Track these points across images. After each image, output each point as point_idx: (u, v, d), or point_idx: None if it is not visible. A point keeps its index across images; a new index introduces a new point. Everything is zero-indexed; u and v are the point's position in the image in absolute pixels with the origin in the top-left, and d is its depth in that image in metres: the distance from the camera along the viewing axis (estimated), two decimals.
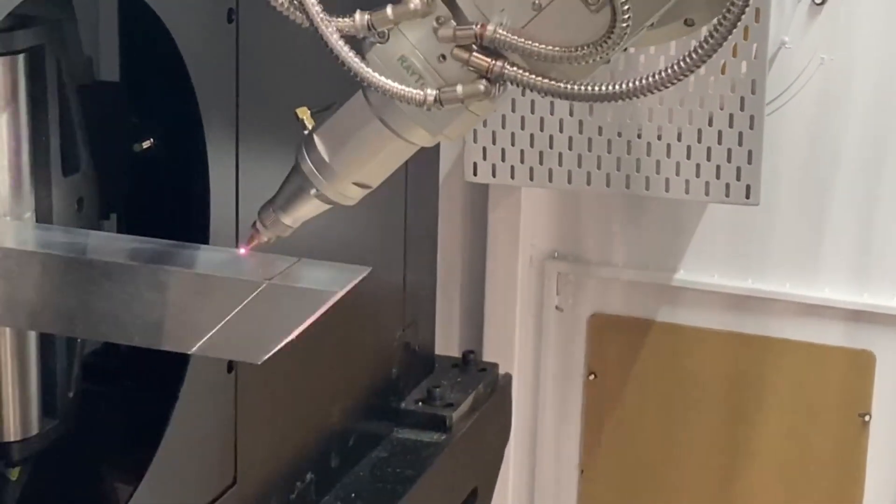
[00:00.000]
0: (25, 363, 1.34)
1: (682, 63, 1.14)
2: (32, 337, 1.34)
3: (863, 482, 2.34)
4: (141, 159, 1.46)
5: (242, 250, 1.28)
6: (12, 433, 1.34)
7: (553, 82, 1.15)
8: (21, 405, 1.34)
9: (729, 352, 2.35)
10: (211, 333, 1.18)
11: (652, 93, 1.15)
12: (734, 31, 1.13)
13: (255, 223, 1.29)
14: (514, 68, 1.15)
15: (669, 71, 1.14)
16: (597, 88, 1.14)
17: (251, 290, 1.18)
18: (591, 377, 2.43)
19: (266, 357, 1.17)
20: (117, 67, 1.51)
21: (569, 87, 1.15)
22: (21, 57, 1.28)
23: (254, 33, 1.45)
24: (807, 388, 2.33)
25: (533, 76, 1.15)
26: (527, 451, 2.47)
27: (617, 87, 1.14)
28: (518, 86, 1.16)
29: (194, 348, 1.18)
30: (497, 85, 1.17)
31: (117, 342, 1.33)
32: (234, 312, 1.17)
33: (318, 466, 1.71)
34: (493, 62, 1.15)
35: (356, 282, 1.20)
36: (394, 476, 1.80)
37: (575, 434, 2.45)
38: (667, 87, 1.15)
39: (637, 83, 1.14)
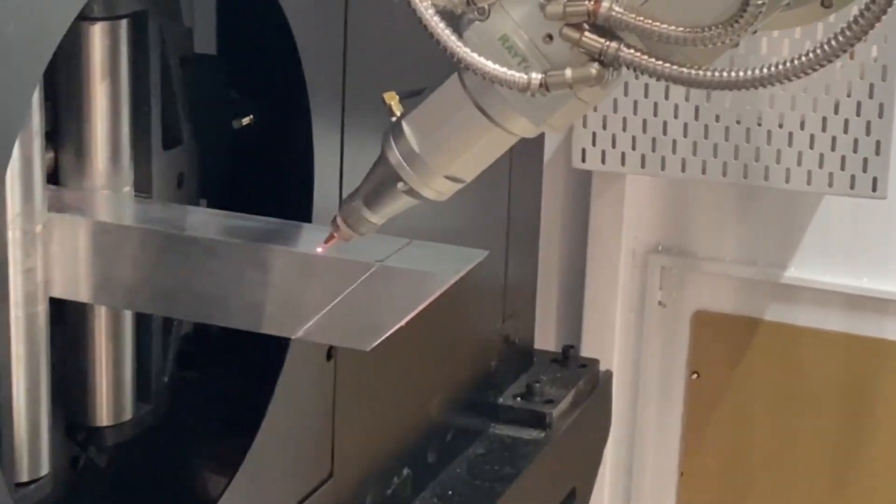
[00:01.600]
0: (120, 346, 1.29)
1: (824, 48, 1.03)
2: (128, 318, 1.29)
3: None
4: (242, 136, 1.40)
5: (319, 249, 1.18)
6: (105, 418, 1.29)
7: (675, 67, 1.04)
8: (115, 389, 1.29)
9: (842, 354, 2.28)
10: (317, 317, 1.11)
11: (790, 80, 1.04)
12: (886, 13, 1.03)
13: (335, 219, 1.18)
14: (631, 51, 1.05)
15: (811, 56, 1.03)
16: (725, 75, 1.04)
17: (361, 272, 1.11)
18: (694, 377, 2.37)
19: (375, 343, 1.11)
20: (214, 38, 1.45)
21: (693, 72, 1.04)
22: (123, 23, 1.23)
23: (363, 4, 1.39)
24: None
25: (652, 60, 1.05)
26: (625, 451, 2.42)
27: (749, 73, 1.03)
28: (635, 70, 1.06)
29: (299, 333, 1.12)
30: (611, 69, 1.07)
31: (217, 324, 1.28)
32: (342, 295, 1.10)
33: (415, 461, 1.66)
34: (607, 43, 1.05)
35: (472, 266, 1.13)
36: (491, 474, 1.76)
37: (675, 435, 2.39)
38: (806, 75, 1.04)
39: (771, 70, 1.04)
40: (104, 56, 1.22)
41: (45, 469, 1.19)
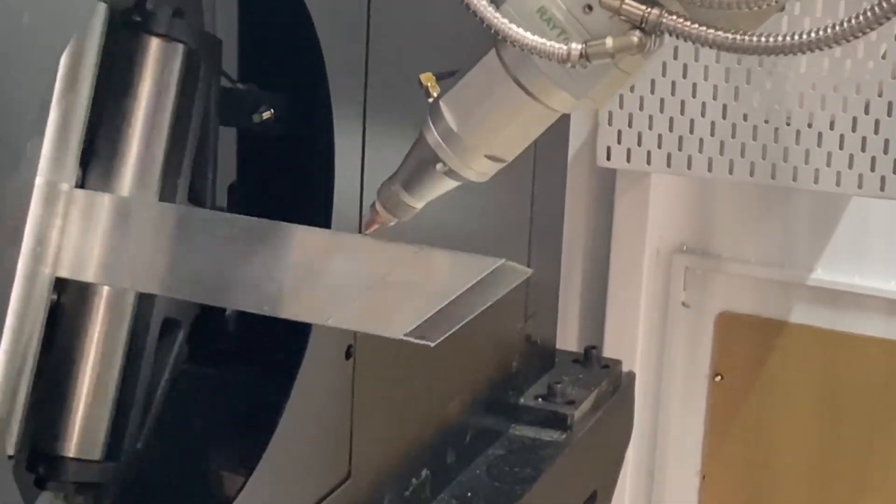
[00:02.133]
0: (104, 390, 1.22)
1: (875, 10, 0.99)
2: (116, 367, 1.22)
3: None
4: (262, 143, 1.37)
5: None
6: (74, 451, 1.21)
7: (718, 33, 1.02)
8: (86, 427, 1.22)
9: (869, 358, 2.24)
10: (348, 303, 1.06)
11: (837, 44, 1.01)
12: None
13: (374, 203, 1.17)
14: (673, 17, 1.03)
15: (860, 19, 0.99)
16: (771, 40, 1.01)
17: (399, 256, 1.07)
18: (718, 378, 2.33)
19: (408, 332, 1.04)
20: (236, 29, 1.43)
21: (737, 38, 1.02)
22: (180, 47, 1.20)
23: None
24: None
25: (695, 26, 1.02)
26: (646, 453, 2.39)
27: (795, 38, 1.00)
28: (678, 37, 1.04)
29: (329, 319, 1.07)
30: (652, 37, 1.04)
31: (240, 309, 1.21)
32: (379, 280, 1.05)
33: (434, 462, 1.64)
34: (649, 10, 1.03)
35: (516, 267, 1.09)
36: (511, 475, 1.74)
37: (697, 438, 2.36)
38: (855, 38, 1.01)
39: (819, 34, 1.00)
40: (156, 72, 1.19)
41: (10, 450, 1.11)
